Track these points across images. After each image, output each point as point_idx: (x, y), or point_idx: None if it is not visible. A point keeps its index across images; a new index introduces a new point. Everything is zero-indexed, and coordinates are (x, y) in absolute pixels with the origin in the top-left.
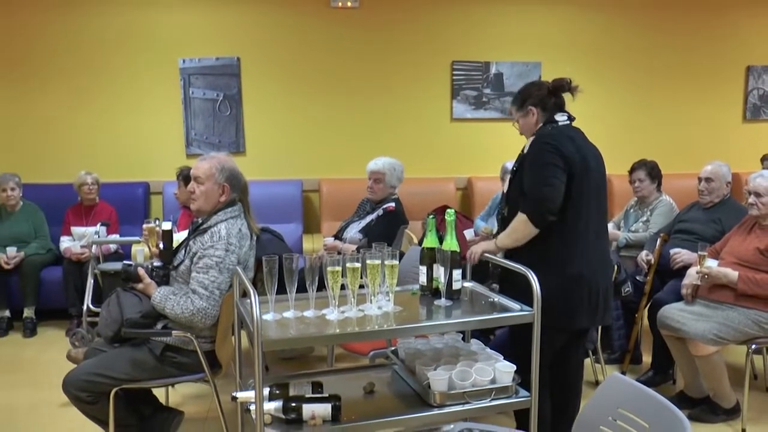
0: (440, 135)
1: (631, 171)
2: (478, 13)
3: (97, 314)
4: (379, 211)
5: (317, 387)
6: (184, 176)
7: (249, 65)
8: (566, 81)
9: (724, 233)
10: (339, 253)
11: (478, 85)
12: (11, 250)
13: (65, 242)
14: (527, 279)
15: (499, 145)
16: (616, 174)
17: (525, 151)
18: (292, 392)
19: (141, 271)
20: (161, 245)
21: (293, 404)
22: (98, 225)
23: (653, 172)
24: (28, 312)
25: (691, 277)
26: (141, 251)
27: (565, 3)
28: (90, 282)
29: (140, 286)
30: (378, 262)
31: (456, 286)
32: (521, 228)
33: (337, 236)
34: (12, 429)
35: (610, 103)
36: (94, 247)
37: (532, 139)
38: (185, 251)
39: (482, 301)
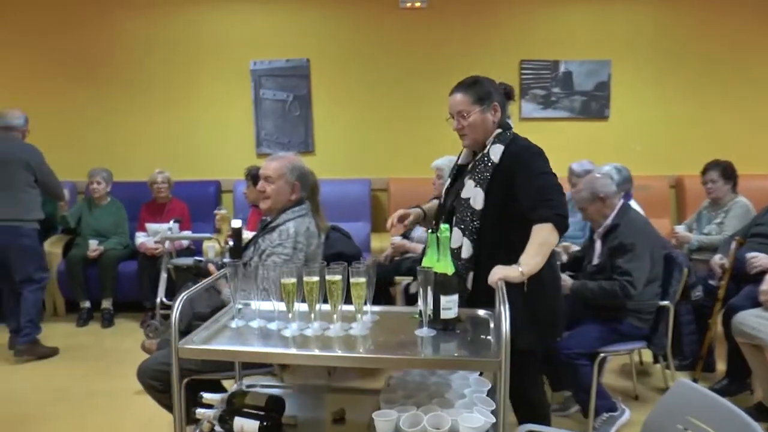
0: None
1: (704, 172)
2: (546, 11)
3: (169, 307)
4: None
5: (273, 402)
6: (253, 176)
7: (318, 66)
8: (512, 89)
9: None
10: (407, 252)
11: (547, 84)
12: (93, 243)
13: (140, 237)
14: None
15: (566, 145)
16: (689, 174)
17: (492, 160)
18: (249, 402)
19: (211, 267)
20: (231, 242)
21: (228, 416)
22: (171, 221)
23: (727, 172)
24: (106, 303)
25: None
26: (212, 247)
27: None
28: (163, 276)
29: None
30: (363, 279)
31: (447, 314)
32: (550, 239)
33: (405, 235)
34: (92, 413)
35: (682, 101)
36: (167, 242)
37: (496, 146)
38: (254, 248)
39: (481, 335)
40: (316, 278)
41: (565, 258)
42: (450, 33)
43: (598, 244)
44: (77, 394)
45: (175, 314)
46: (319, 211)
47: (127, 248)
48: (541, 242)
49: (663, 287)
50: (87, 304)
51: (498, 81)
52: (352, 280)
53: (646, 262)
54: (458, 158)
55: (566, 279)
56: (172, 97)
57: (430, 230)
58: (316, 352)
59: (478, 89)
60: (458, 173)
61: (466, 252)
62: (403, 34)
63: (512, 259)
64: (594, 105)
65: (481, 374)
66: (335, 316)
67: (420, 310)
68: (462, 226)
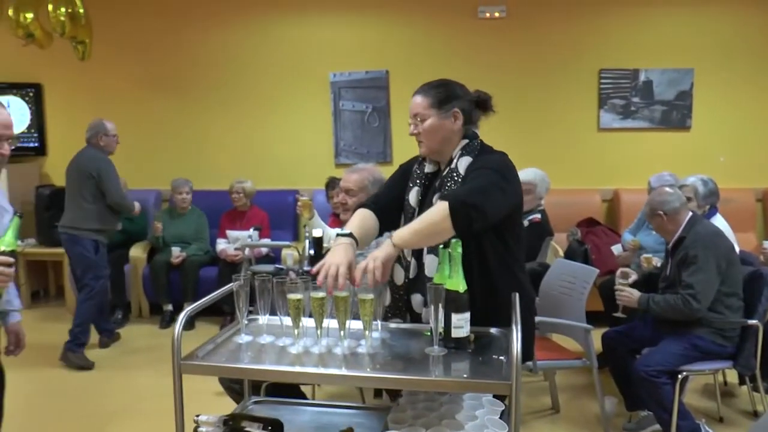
0: (586, 145)
1: None
2: (626, 18)
3: (249, 312)
4: (525, 222)
5: (271, 426)
6: (330, 183)
7: (397, 78)
8: (490, 98)
9: None
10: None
11: (626, 94)
12: (176, 250)
13: (221, 244)
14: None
15: (646, 157)
16: None
17: (461, 174)
18: (245, 426)
19: (292, 275)
20: (311, 251)
21: None
22: (251, 229)
23: None
24: (188, 307)
25: None
26: (291, 255)
27: (719, 4)
28: None
29: None
30: (371, 296)
31: (458, 333)
32: (436, 221)
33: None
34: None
35: None
36: (247, 249)
37: (464, 158)
38: None
39: (493, 355)
40: (322, 294)
41: (633, 278)
42: (529, 43)
43: (669, 260)
44: (160, 392)
45: (178, 329)
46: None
47: (207, 254)
48: (424, 220)
49: (750, 305)
50: (169, 307)
51: (471, 90)
52: (359, 296)
53: (712, 275)
54: (417, 164)
55: (633, 292)
56: (253, 108)
57: (441, 245)
58: (322, 370)
59: (440, 92)
60: (429, 184)
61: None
62: (481, 44)
63: (486, 278)
64: (675, 115)
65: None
66: (343, 333)
67: (431, 328)
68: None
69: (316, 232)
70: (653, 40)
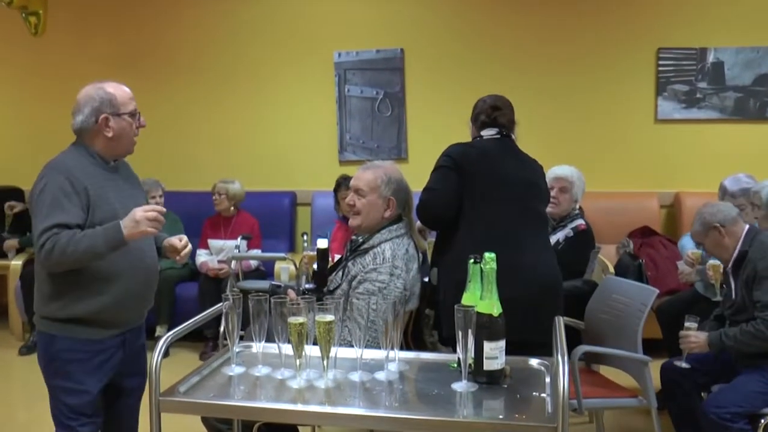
0: (640, 140)
1: None
2: None
3: (240, 338)
4: (568, 231)
5: None
6: (338, 183)
7: (414, 58)
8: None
9: None
10: None
11: (690, 78)
12: None
13: (202, 256)
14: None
15: (716, 154)
16: None
17: None
18: None
19: (291, 293)
20: (315, 265)
21: None
22: (238, 238)
23: None
24: (161, 331)
25: None
26: (285, 269)
27: None
28: None
29: None
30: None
31: (492, 365)
32: None
33: None
34: None
35: None
36: (233, 262)
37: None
38: (342, 273)
39: (533, 392)
40: (331, 317)
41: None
42: (570, 17)
43: (732, 282)
44: None
45: (157, 358)
46: (414, 229)
47: (185, 267)
48: None
49: None
50: None
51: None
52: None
53: None
54: None
55: (700, 335)
56: (241, 94)
57: (472, 260)
58: (327, 409)
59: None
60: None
61: None
62: (514, 19)
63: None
64: (753, 103)
65: None
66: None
67: (458, 359)
68: None
69: (321, 243)
70: (724, 12)
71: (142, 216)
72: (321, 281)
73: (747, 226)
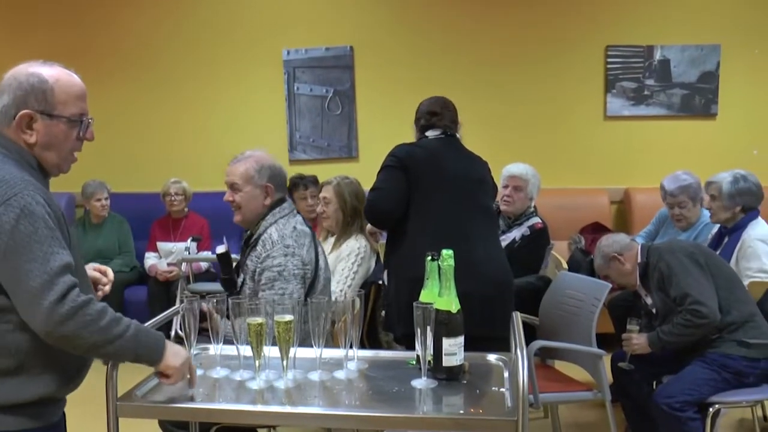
0: (590, 136)
1: None
2: None
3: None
4: (525, 230)
5: None
6: (293, 184)
7: (364, 56)
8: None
9: None
10: None
11: (638, 75)
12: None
13: (151, 259)
14: None
15: (663, 150)
16: None
17: None
18: None
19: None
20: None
21: None
22: (188, 240)
23: None
24: None
25: None
26: None
27: None
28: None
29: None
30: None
31: (451, 361)
32: None
33: None
34: None
35: None
36: (183, 265)
37: None
38: (243, 271)
39: (492, 387)
40: (290, 317)
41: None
42: (520, 15)
43: (648, 300)
44: None
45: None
46: (365, 232)
47: (134, 271)
48: None
49: None
50: None
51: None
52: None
53: (697, 273)
54: None
55: (641, 337)
56: (187, 92)
57: (430, 257)
58: (288, 409)
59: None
60: None
61: None
62: (464, 15)
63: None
64: (698, 100)
65: None
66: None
67: (417, 356)
68: None
69: (220, 249)
70: (671, 11)
71: (187, 367)
72: (229, 285)
73: (639, 245)
